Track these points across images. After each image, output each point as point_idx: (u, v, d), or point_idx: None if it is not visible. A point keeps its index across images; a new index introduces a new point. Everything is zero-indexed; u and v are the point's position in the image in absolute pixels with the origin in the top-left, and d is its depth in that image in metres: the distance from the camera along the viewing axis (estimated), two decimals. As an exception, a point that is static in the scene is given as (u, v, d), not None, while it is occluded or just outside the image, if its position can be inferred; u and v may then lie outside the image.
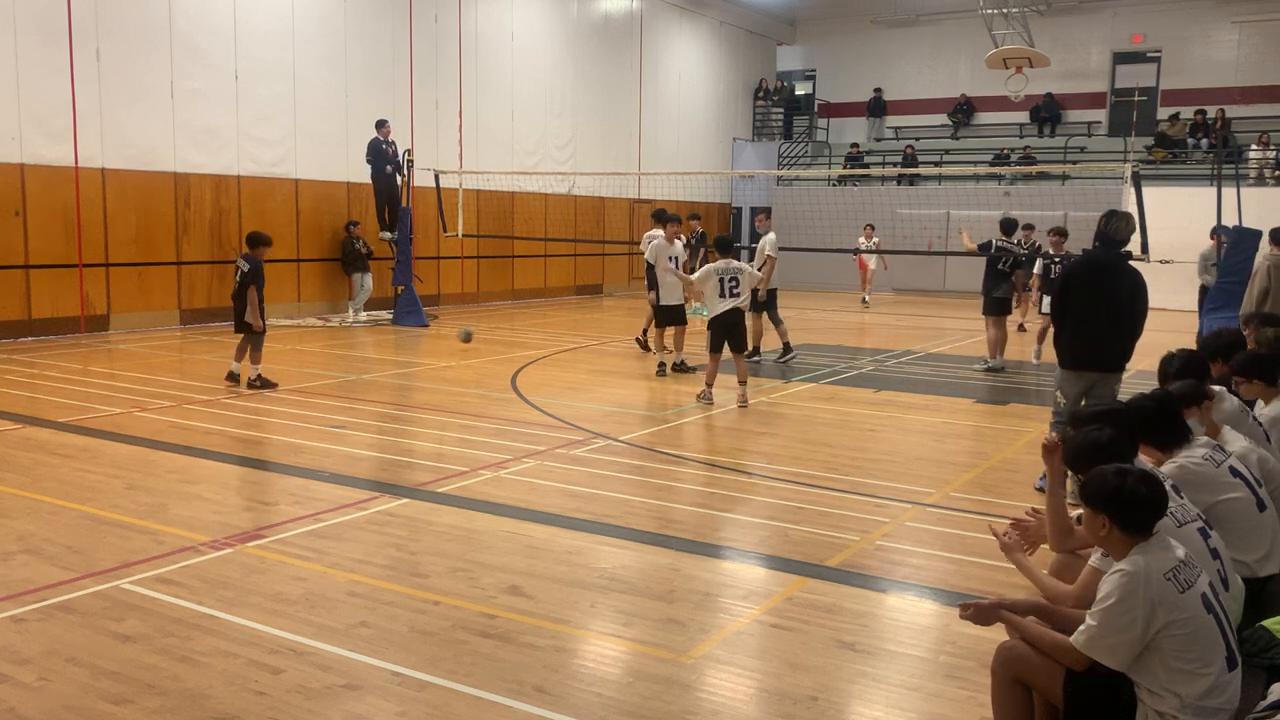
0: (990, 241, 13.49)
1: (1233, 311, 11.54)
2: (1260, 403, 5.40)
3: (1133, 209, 12.99)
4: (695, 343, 14.28)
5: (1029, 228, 15.05)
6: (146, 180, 15.50)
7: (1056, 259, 13.23)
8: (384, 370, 12.44)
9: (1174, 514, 3.59)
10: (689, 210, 18.81)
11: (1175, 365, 5.16)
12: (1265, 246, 12.08)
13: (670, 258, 12.43)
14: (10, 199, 14.00)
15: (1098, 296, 6.71)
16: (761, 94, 31.48)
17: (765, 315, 13.44)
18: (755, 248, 13.58)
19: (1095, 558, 3.48)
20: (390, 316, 17.69)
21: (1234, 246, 12.76)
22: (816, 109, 32.20)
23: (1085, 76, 28.39)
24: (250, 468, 7.71)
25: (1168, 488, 3.46)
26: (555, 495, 6.94)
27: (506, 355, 13.80)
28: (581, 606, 5.00)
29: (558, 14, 23.17)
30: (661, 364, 12.34)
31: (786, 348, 13.57)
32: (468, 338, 12.98)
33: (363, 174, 17.96)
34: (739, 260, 10.90)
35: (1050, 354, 7.92)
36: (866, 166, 27.72)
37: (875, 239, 22.52)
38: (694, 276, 10.69)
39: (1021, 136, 28.42)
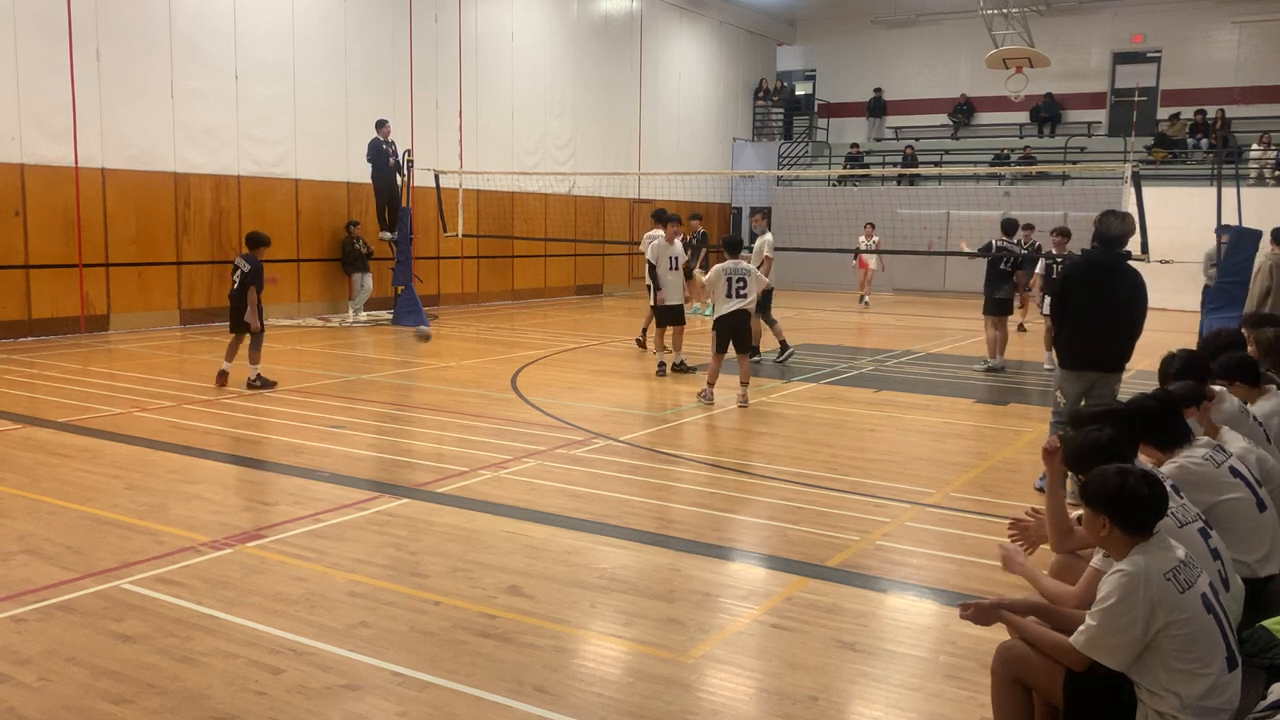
0: (990, 243, 13.50)
1: (1233, 311, 11.54)
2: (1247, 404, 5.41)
3: (1133, 209, 13.01)
4: (695, 343, 14.29)
5: (1029, 228, 15.05)
6: (146, 180, 15.50)
7: (1059, 259, 13.23)
8: (384, 370, 12.44)
9: (1174, 514, 3.59)
10: (689, 210, 18.82)
11: (1176, 365, 5.17)
12: (1266, 246, 12.10)
13: (670, 258, 12.43)
14: (10, 199, 14.00)
15: (1097, 296, 6.71)
16: (761, 94, 31.48)
17: (759, 316, 13.44)
18: (752, 248, 13.57)
19: (1097, 559, 3.48)
20: (390, 316, 17.69)
21: (1234, 246, 12.75)
22: (816, 109, 32.20)
23: (1085, 76, 28.40)
24: (250, 468, 7.71)
25: (1168, 488, 3.45)
26: (555, 495, 6.94)
27: (506, 355, 13.80)
28: (581, 606, 5.00)
29: (558, 14, 23.18)
30: (661, 364, 12.33)
31: (784, 346, 13.56)
32: (425, 337, 12.63)
33: (363, 174, 17.96)
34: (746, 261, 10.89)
35: None
36: (866, 166, 27.73)
37: (875, 238, 22.47)
38: (705, 278, 10.63)
39: (1021, 136, 28.42)
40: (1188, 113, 26.12)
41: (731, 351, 10.48)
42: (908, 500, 7.00)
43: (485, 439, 8.63)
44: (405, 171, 17.72)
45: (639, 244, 14.63)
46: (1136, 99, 27.80)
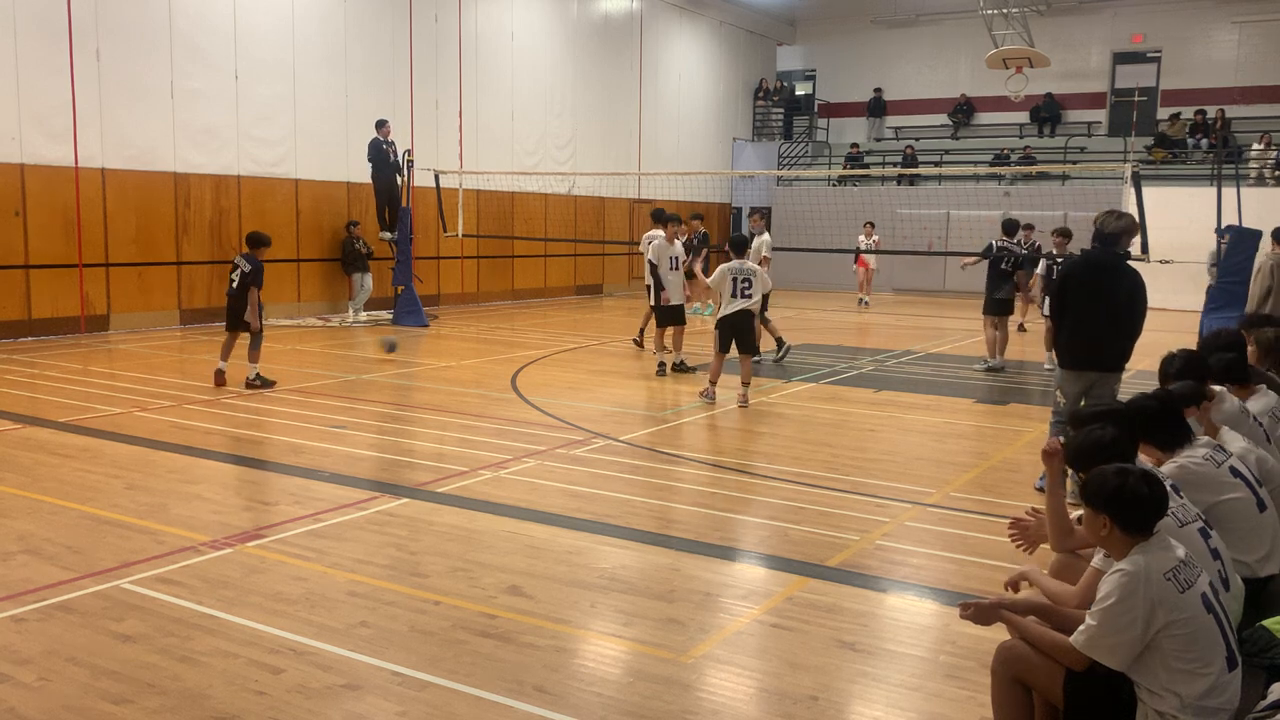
0: (991, 244, 13.50)
1: (1233, 311, 11.55)
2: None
3: (1133, 209, 13.02)
4: (695, 343, 14.29)
5: (1029, 228, 15.05)
6: (146, 180, 15.50)
7: (1059, 259, 13.24)
8: (384, 370, 12.43)
9: (1175, 514, 3.59)
10: (688, 210, 18.82)
11: (1176, 365, 5.16)
12: (1266, 246, 12.10)
13: (671, 257, 12.42)
14: (10, 199, 14.00)
15: (1095, 296, 6.71)
16: (761, 94, 31.48)
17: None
18: (750, 249, 13.54)
19: (1097, 558, 3.48)
20: (390, 316, 17.69)
21: (1234, 246, 12.76)
22: (816, 109, 32.20)
23: (1085, 76, 28.40)
24: (250, 468, 7.71)
25: (1168, 488, 3.45)
26: (555, 495, 6.94)
27: (506, 355, 13.80)
28: (582, 606, 5.00)
29: (558, 14, 23.18)
30: (661, 364, 12.33)
31: (780, 343, 13.54)
32: (391, 348, 12.43)
33: (363, 174, 17.97)
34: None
35: None
36: (866, 166, 27.73)
37: (875, 237, 22.42)
38: (711, 279, 10.59)
39: (1021, 136, 28.42)
40: (1188, 113, 26.12)
41: (733, 351, 10.47)
42: (908, 500, 7.00)
43: (485, 439, 8.63)
44: (405, 171, 17.73)
45: (639, 244, 14.61)
46: (1136, 99, 27.81)
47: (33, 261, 14.30)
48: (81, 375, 11.49)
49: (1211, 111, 25.62)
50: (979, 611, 3.43)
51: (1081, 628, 3.18)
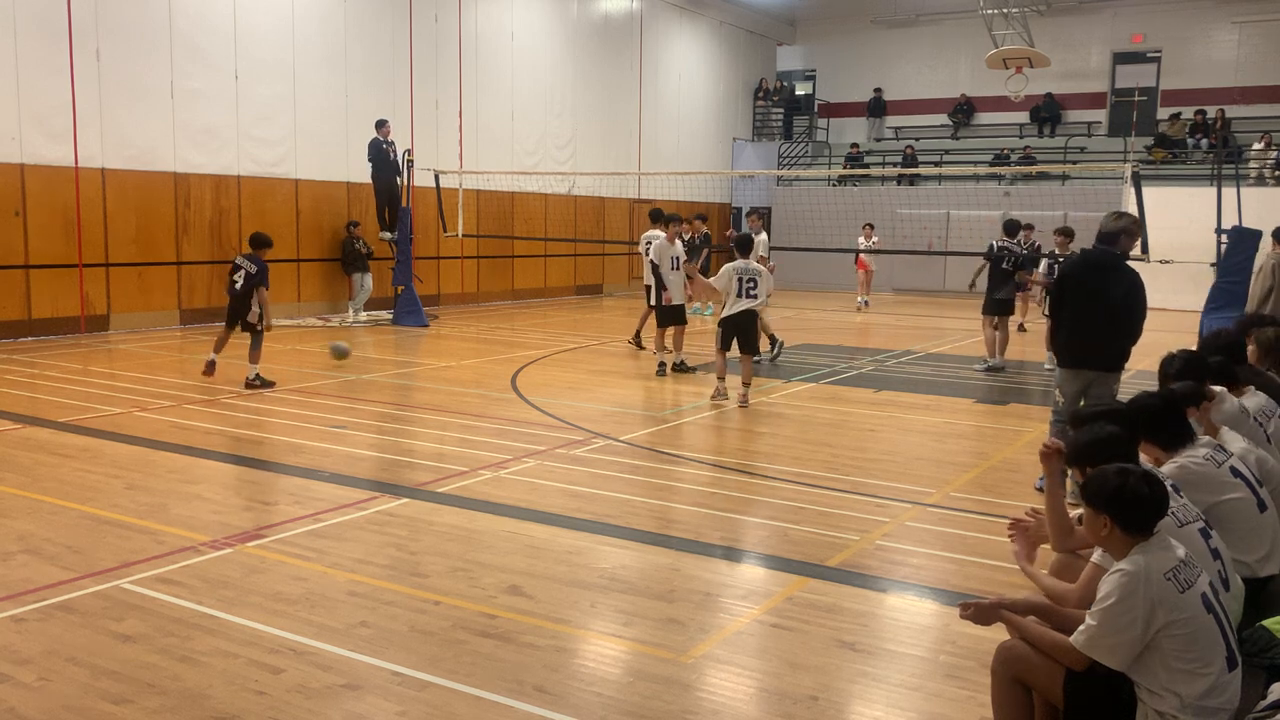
0: (992, 244, 13.51)
1: (1233, 311, 11.55)
2: None
3: (1133, 209, 13.03)
4: (694, 343, 14.29)
5: (1029, 228, 15.05)
6: (146, 180, 15.50)
7: (1061, 259, 13.24)
8: (384, 370, 12.43)
9: (1175, 514, 3.59)
10: (688, 210, 18.83)
11: (1176, 366, 5.16)
12: (1266, 246, 12.09)
13: (673, 257, 12.41)
14: (10, 199, 14.00)
15: (1092, 295, 6.74)
16: (761, 94, 31.48)
17: None
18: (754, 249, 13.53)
19: (1097, 555, 3.48)
20: (390, 316, 17.69)
21: (1234, 246, 12.76)
22: (816, 109, 32.20)
23: (1085, 76, 28.40)
24: (250, 468, 7.71)
25: (1168, 487, 3.45)
26: (555, 495, 6.94)
27: (506, 355, 13.80)
28: (581, 606, 5.00)
29: (558, 14, 23.18)
30: (661, 364, 12.33)
31: (773, 340, 13.52)
32: (342, 354, 11.87)
33: (363, 174, 17.97)
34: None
35: None
36: (866, 166, 27.73)
37: (875, 239, 22.37)
38: (717, 281, 10.52)
39: (1021, 136, 28.42)
40: (1188, 113, 26.12)
41: (734, 351, 10.46)
42: (908, 500, 7.00)
43: (485, 439, 8.63)
44: (404, 171, 17.73)
45: (638, 244, 14.61)
46: (1136, 99, 27.81)
47: (33, 261, 14.30)
48: (81, 375, 11.49)
49: (1211, 111, 25.62)
50: (979, 611, 3.43)
51: (1081, 628, 3.18)
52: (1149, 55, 27.75)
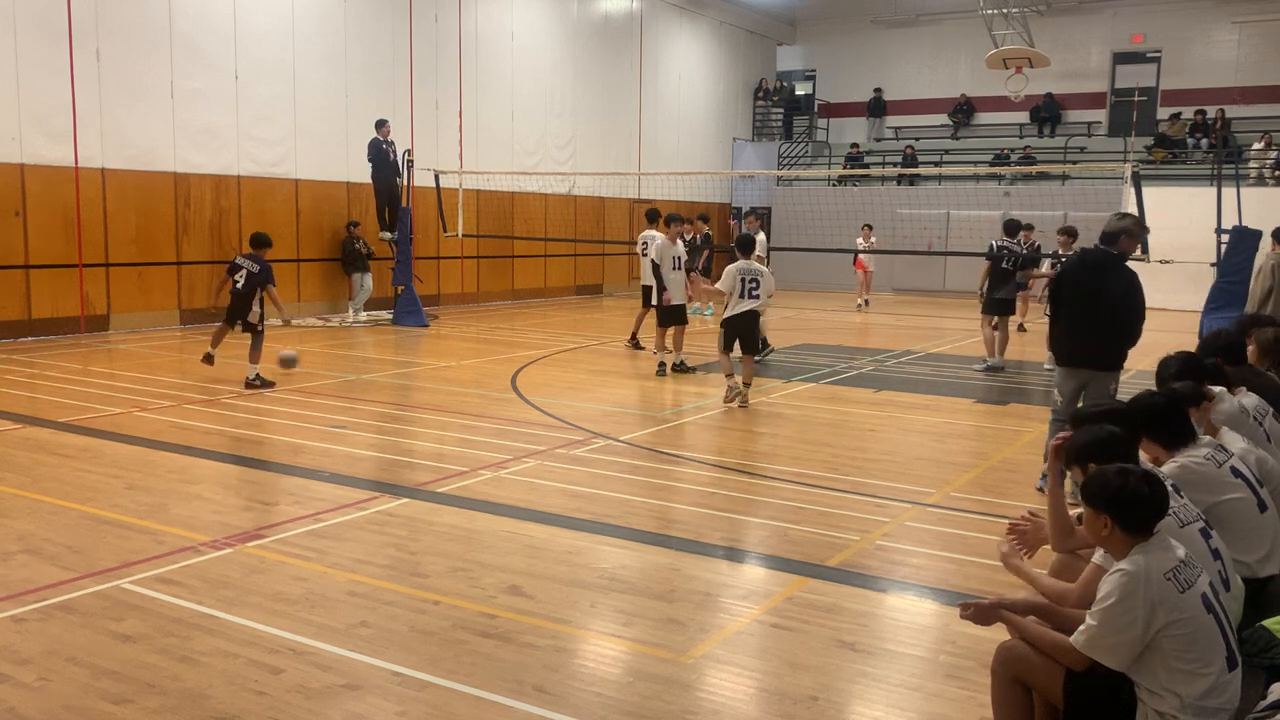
0: (992, 244, 13.51)
1: (1233, 311, 11.55)
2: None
3: (1133, 209, 13.03)
4: (694, 343, 14.29)
5: (1029, 228, 15.05)
6: (146, 180, 15.50)
7: (1064, 259, 13.24)
8: (384, 370, 12.44)
9: (1175, 514, 3.59)
10: (688, 211, 18.81)
11: (1173, 369, 5.15)
12: (1266, 246, 12.10)
13: (674, 257, 12.41)
14: (10, 199, 14.00)
15: (1088, 295, 6.78)
16: (761, 94, 31.48)
17: None
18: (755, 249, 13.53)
19: (1098, 555, 3.48)
20: (390, 316, 17.69)
21: (1234, 246, 12.77)
22: (816, 109, 32.19)
23: (1085, 76, 28.39)
24: (250, 468, 7.70)
25: (1168, 487, 3.45)
26: (555, 495, 6.94)
27: (506, 355, 13.80)
28: (581, 606, 5.00)
29: (558, 14, 23.18)
30: (661, 364, 12.33)
31: (763, 342, 13.49)
32: (290, 363, 11.16)
33: (363, 174, 17.96)
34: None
35: None
36: (866, 166, 27.73)
37: (873, 239, 22.34)
38: (721, 283, 10.45)
39: (1021, 136, 28.42)
40: (1188, 113, 26.12)
41: (736, 351, 10.44)
42: (908, 500, 7.00)
43: (485, 439, 8.63)
44: (404, 171, 17.72)
45: (637, 244, 14.60)
46: (1136, 99, 27.80)
47: (33, 261, 14.30)
48: (81, 375, 11.49)
49: (1211, 111, 25.62)
50: (979, 611, 3.43)
51: (1081, 628, 3.18)
52: (1149, 55, 27.75)
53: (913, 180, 27.37)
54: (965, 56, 29.22)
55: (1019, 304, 15.31)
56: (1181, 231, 18.14)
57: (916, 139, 29.29)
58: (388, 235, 17.94)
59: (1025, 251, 14.07)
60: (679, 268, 12.49)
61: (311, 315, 17.86)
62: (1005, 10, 25.20)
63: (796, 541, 6.05)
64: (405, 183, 17.79)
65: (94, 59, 14.69)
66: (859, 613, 4.98)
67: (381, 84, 18.89)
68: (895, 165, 27.52)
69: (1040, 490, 7.03)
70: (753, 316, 10.36)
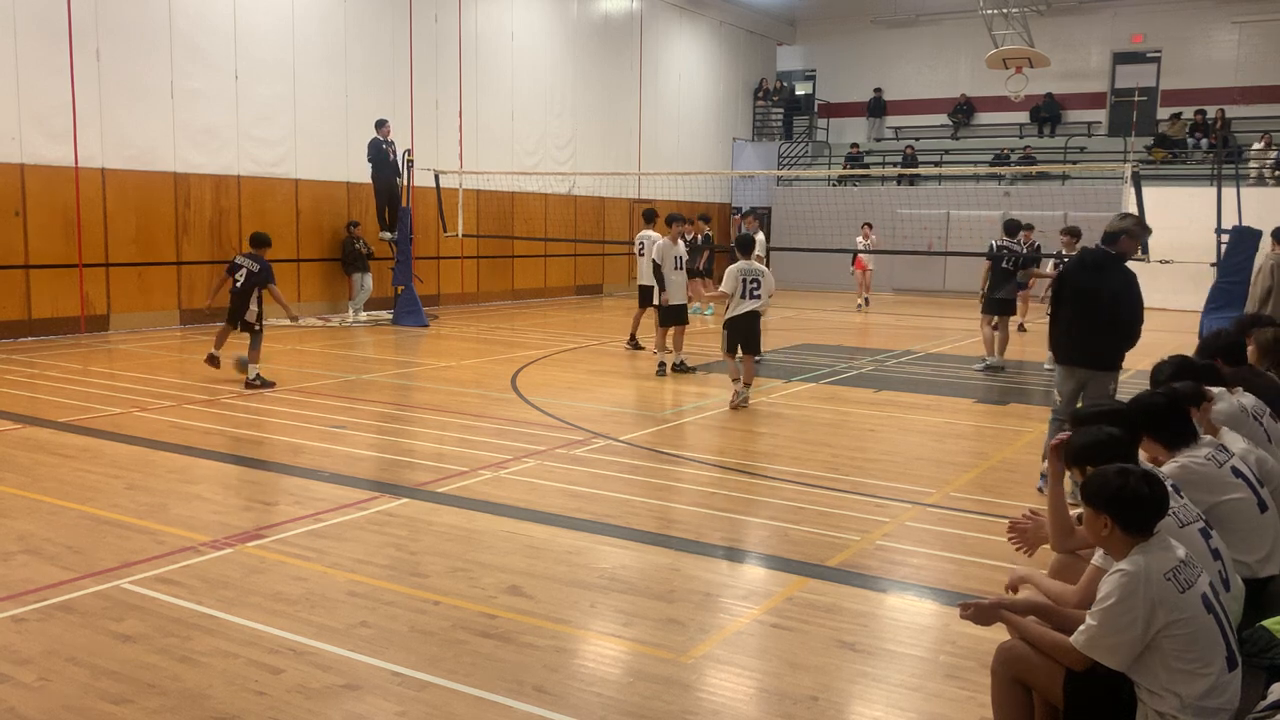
0: (992, 244, 13.50)
1: (1233, 311, 11.56)
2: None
3: (1133, 209, 13.03)
4: (694, 343, 14.29)
5: (1029, 228, 15.05)
6: (146, 180, 15.50)
7: (1067, 259, 13.24)
8: (384, 370, 12.44)
9: (1175, 514, 3.58)
10: (688, 211, 18.78)
11: (1166, 373, 5.13)
12: (1266, 246, 12.10)
13: (675, 257, 12.41)
14: (10, 199, 14.00)
15: (1085, 294, 6.82)
16: (761, 94, 31.48)
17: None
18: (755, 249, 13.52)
19: (1098, 557, 3.48)
20: (390, 316, 17.69)
21: (1234, 246, 12.77)
22: (816, 109, 32.20)
23: (1085, 76, 28.40)
24: (250, 468, 7.70)
25: (1168, 487, 3.45)
26: (555, 495, 6.94)
27: (506, 355, 13.80)
28: (581, 606, 5.00)
29: (558, 14, 23.18)
30: (661, 364, 12.32)
31: None
32: (244, 367, 11.02)
33: (363, 174, 17.96)
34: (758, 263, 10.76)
35: None
36: (866, 166, 27.72)
37: (873, 237, 22.24)
38: (723, 286, 10.38)
39: (1021, 136, 28.42)
40: (1188, 113, 26.12)
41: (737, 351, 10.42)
42: (908, 500, 7.00)
43: (485, 439, 8.63)
44: (404, 171, 17.72)
45: (634, 245, 14.58)
46: (1136, 99, 27.81)
47: (33, 261, 14.30)
48: (81, 375, 11.49)
49: (1211, 111, 25.62)
50: (979, 611, 3.43)
51: (1082, 628, 3.18)
52: (1149, 55, 27.75)
53: (913, 180, 27.37)
54: (965, 56, 29.22)
55: (1019, 304, 15.30)
56: (1181, 231, 18.14)
57: (916, 139, 29.29)
58: (388, 235, 17.94)
59: (1025, 251, 14.07)
60: (680, 268, 12.49)
61: (311, 315, 17.86)
62: (1005, 10, 25.20)
63: (796, 541, 6.05)
64: (405, 183, 17.79)
65: (94, 59, 14.69)
66: (859, 613, 4.98)
67: (381, 84, 18.89)
68: (895, 165, 27.52)
69: (1041, 491, 7.03)
70: (755, 317, 10.34)
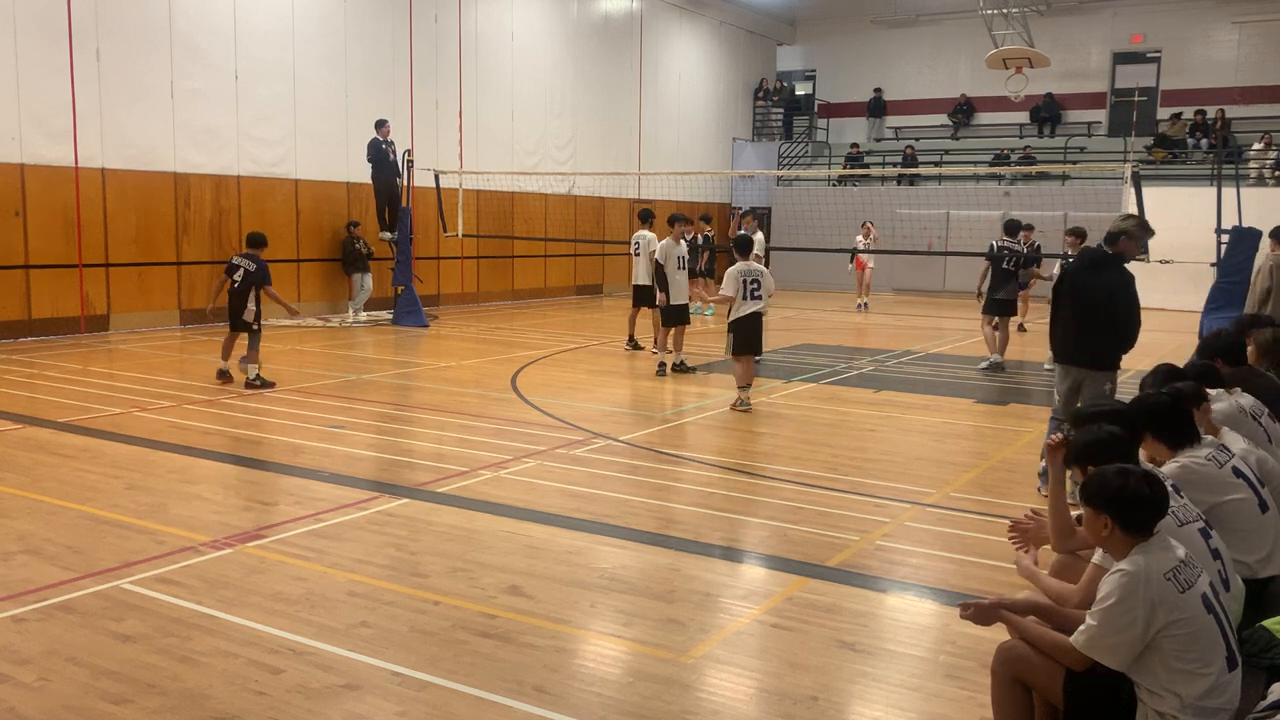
0: (992, 244, 13.50)
1: (1233, 311, 11.55)
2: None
3: (1133, 209, 13.03)
4: (694, 343, 14.29)
5: (1029, 228, 15.04)
6: (146, 180, 15.50)
7: (1072, 259, 13.24)
8: (384, 370, 12.43)
9: (1175, 514, 3.58)
10: (688, 211, 18.75)
11: (1152, 384, 5.12)
12: (1266, 246, 12.10)
13: (678, 257, 12.41)
14: (10, 199, 14.00)
15: (1080, 293, 6.85)
16: (761, 94, 31.48)
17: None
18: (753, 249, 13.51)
19: (1098, 556, 3.48)
20: (390, 317, 17.69)
21: (1234, 246, 12.77)
22: (816, 109, 32.20)
23: (1085, 76, 28.39)
24: (250, 468, 7.70)
25: (1168, 487, 3.45)
26: (555, 495, 6.94)
27: (506, 355, 13.80)
28: (581, 606, 5.00)
29: (558, 14, 23.18)
30: (661, 364, 12.32)
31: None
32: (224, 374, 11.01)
33: (363, 174, 17.96)
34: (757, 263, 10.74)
35: None
36: (866, 166, 27.72)
37: (875, 234, 22.11)
38: (725, 289, 10.33)
39: (1021, 136, 28.42)
40: (1188, 113, 26.12)
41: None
42: (908, 500, 7.00)
43: (485, 439, 8.63)
44: (404, 171, 17.72)
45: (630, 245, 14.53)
46: (1136, 99, 27.80)
47: (33, 261, 14.30)
48: (81, 375, 11.49)
49: (1211, 111, 25.62)
50: (979, 611, 3.43)
51: (1082, 628, 3.18)
52: (1149, 55, 27.75)
53: (913, 180, 27.37)
54: (965, 56, 29.22)
55: (1020, 304, 15.29)
56: (1181, 231, 18.10)
57: (916, 139, 29.29)
58: (388, 235, 17.94)
59: (1026, 251, 14.06)
60: (682, 268, 12.49)
61: (311, 315, 17.86)
62: (1005, 10, 25.20)
63: (796, 541, 6.05)
64: (405, 183, 17.79)
65: (94, 59, 14.69)
66: (859, 613, 4.98)
67: (381, 84, 18.89)
68: (895, 165, 27.52)
69: (1040, 492, 7.04)
70: (759, 318, 10.31)
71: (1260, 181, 23.25)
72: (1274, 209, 16.97)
